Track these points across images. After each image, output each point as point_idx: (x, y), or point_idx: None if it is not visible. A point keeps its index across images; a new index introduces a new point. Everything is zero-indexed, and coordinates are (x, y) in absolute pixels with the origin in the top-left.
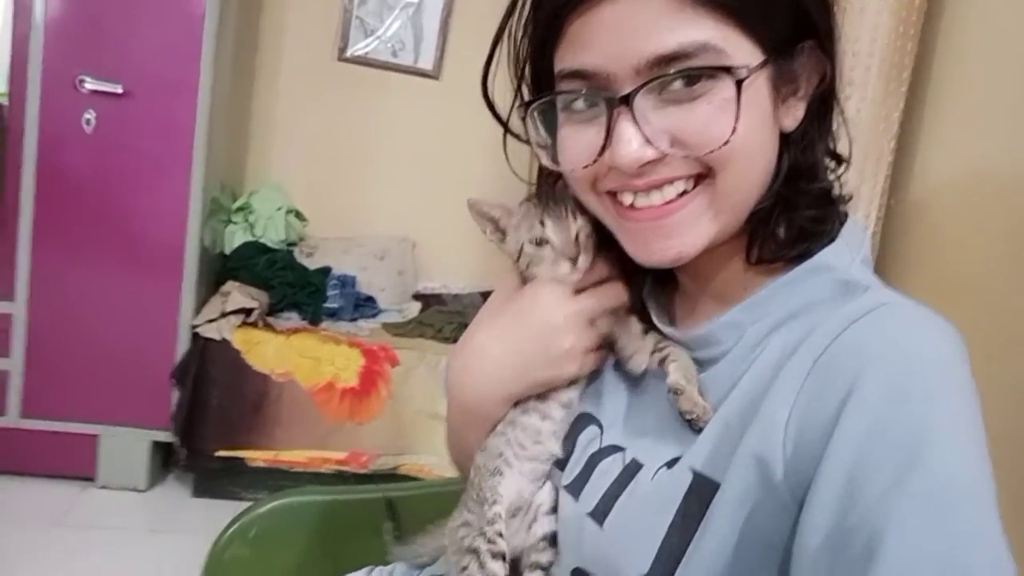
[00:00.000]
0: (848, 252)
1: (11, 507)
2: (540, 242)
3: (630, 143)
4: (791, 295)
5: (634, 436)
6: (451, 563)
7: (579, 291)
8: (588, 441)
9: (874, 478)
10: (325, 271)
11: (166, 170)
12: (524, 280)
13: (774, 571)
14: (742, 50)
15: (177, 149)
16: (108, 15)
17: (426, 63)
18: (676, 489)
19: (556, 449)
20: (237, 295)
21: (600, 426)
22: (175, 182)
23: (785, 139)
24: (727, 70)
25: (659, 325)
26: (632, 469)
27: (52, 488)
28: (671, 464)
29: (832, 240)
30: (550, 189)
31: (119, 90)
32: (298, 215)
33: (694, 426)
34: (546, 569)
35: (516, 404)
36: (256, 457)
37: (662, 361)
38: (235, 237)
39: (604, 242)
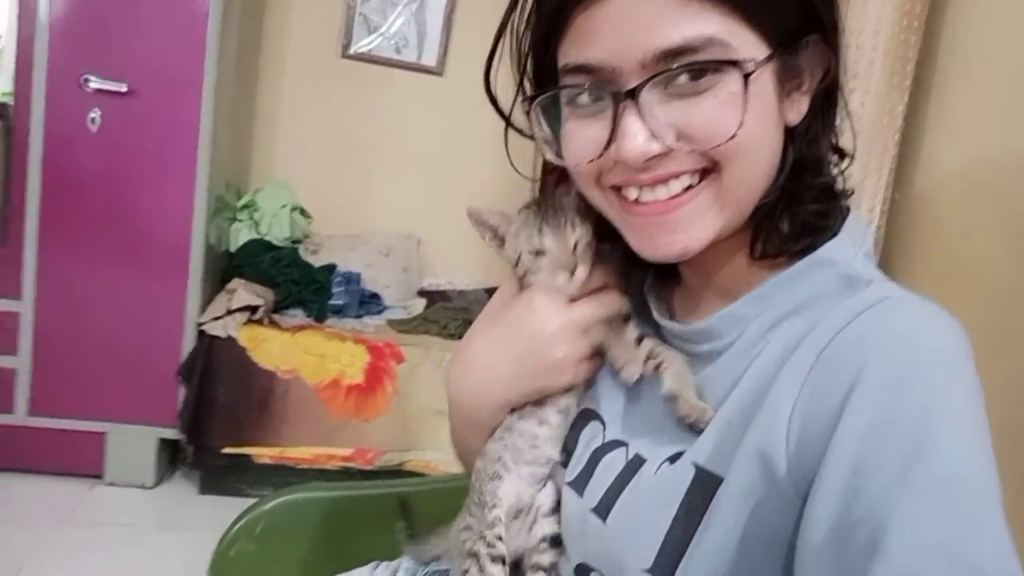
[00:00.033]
0: (851, 246)
1: (19, 504)
2: (538, 253)
3: (636, 137)
4: (794, 289)
5: (635, 432)
6: (454, 565)
7: (574, 299)
8: (591, 437)
9: (878, 471)
10: (330, 268)
11: (171, 168)
12: (522, 286)
13: (778, 565)
14: (748, 44)
15: (182, 147)
16: (112, 14)
17: (430, 59)
18: (679, 484)
19: (554, 454)
20: (243, 292)
21: (602, 422)
22: (180, 180)
23: (789, 133)
24: (734, 64)
25: (659, 319)
26: (635, 464)
27: (60, 485)
28: (674, 459)
29: (835, 234)
30: (551, 196)
31: (124, 89)
32: (303, 212)
33: (695, 428)
34: (547, 570)
35: (513, 410)
36: (262, 454)
37: (656, 367)
38: (240, 235)
39: (605, 238)
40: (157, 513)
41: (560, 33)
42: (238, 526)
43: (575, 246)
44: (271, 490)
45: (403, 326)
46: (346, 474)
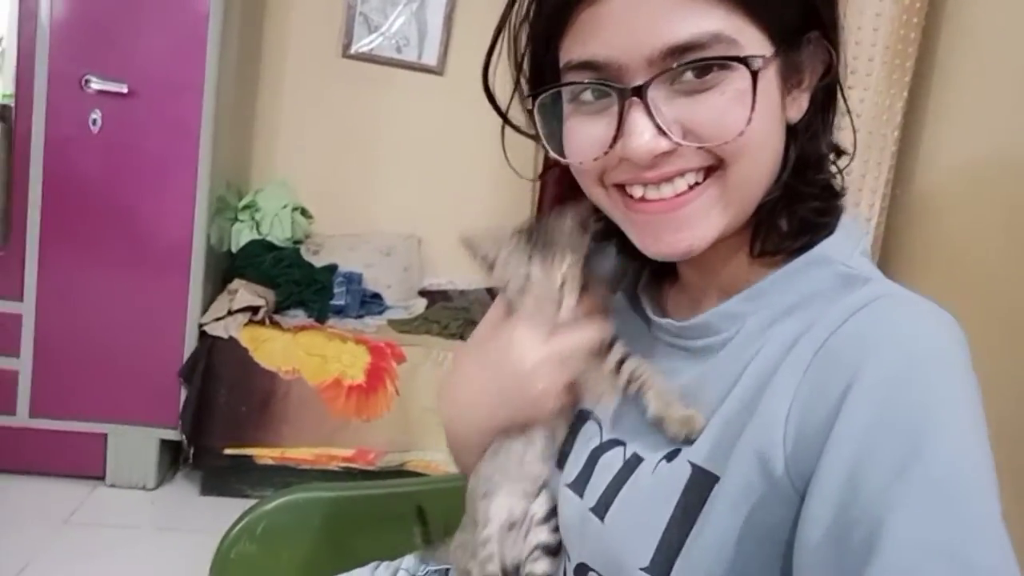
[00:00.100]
0: (848, 244)
1: (20, 506)
2: (525, 287)
3: (642, 134)
4: (791, 286)
5: (633, 432)
6: None
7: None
8: (588, 437)
9: (876, 469)
10: (331, 268)
11: (172, 169)
12: (511, 309)
13: (776, 564)
14: (753, 41)
15: (183, 148)
16: (113, 15)
17: (430, 59)
18: (676, 482)
19: (544, 471)
20: (244, 293)
21: (599, 422)
22: (181, 181)
23: (791, 131)
24: (743, 60)
25: (653, 317)
26: (633, 463)
27: (61, 487)
28: (671, 457)
29: (832, 232)
30: (543, 223)
31: (125, 90)
32: (304, 212)
33: (688, 440)
34: None
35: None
36: (264, 455)
37: (639, 390)
38: (241, 235)
39: (604, 236)
40: (158, 514)
41: (562, 30)
42: (239, 527)
43: (563, 283)
44: (272, 491)
45: (404, 326)
46: (348, 475)
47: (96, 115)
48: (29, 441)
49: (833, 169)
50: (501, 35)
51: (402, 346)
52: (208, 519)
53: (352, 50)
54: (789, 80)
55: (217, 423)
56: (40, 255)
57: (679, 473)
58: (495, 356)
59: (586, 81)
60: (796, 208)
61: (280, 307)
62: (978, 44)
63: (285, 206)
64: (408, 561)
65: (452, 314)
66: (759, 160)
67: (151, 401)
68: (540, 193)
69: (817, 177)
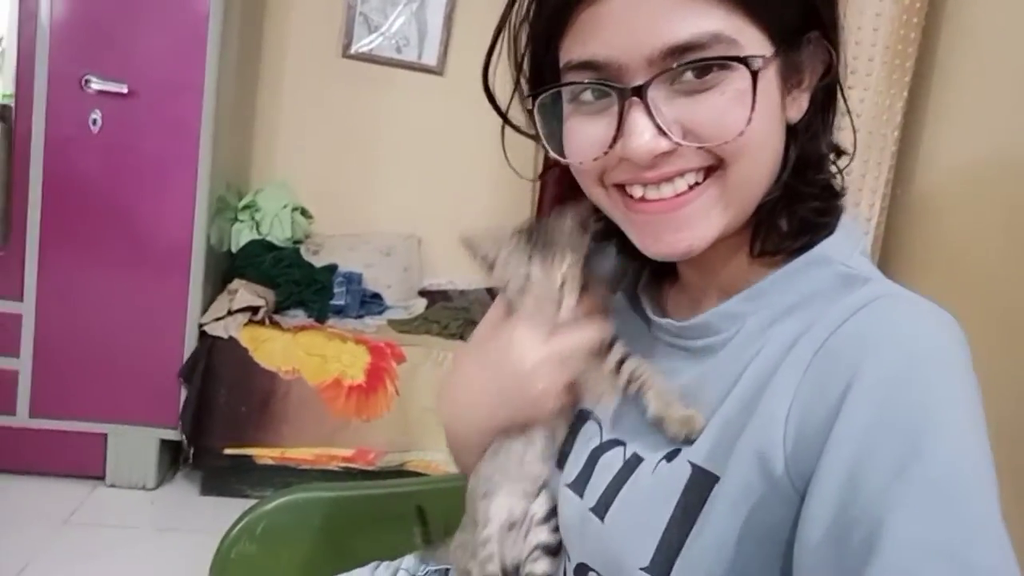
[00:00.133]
0: (848, 244)
1: (20, 506)
2: (525, 287)
3: (643, 134)
4: (791, 286)
5: (633, 432)
6: None
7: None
8: (588, 437)
9: (875, 469)
10: (331, 268)
11: (172, 169)
12: (511, 307)
13: (776, 564)
14: (753, 41)
15: (183, 148)
16: (113, 15)
17: (430, 59)
18: (676, 482)
19: (543, 471)
20: (244, 293)
21: (599, 423)
22: (181, 181)
23: (791, 131)
24: (743, 61)
25: (652, 316)
26: (633, 463)
27: (61, 487)
28: (671, 457)
29: (832, 232)
30: (544, 223)
31: (125, 90)
32: (304, 212)
33: (689, 440)
34: None
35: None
36: (263, 455)
37: (639, 390)
38: (241, 235)
39: (604, 236)
40: (158, 514)
41: (562, 30)
42: (239, 527)
43: (563, 283)
44: (272, 491)
45: (404, 326)
46: (348, 475)
47: (96, 115)
48: (29, 441)
49: (833, 169)
50: (501, 35)
51: (402, 346)
52: (208, 519)
53: (352, 50)
54: (789, 80)
55: (217, 423)
56: (40, 255)
57: (679, 473)
58: (495, 356)
59: (586, 81)
60: (796, 208)
61: (280, 307)
62: (978, 44)
63: (285, 206)
64: (408, 561)
65: (452, 314)
66: (759, 160)
67: (151, 401)
68: (540, 193)
69: (817, 177)
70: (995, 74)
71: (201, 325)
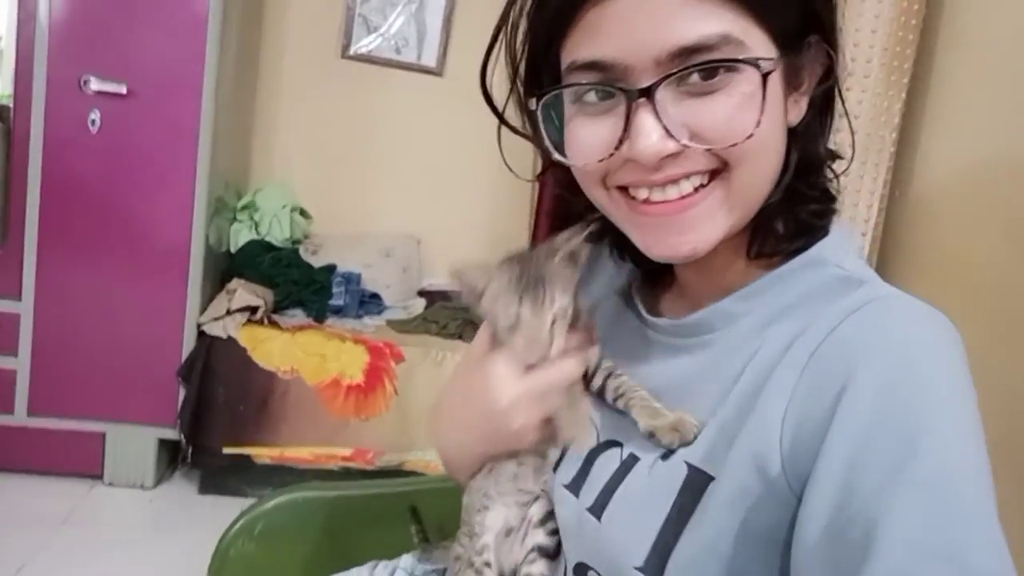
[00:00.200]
0: (843, 246)
1: (18, 505)
2: (515, 326)
3: (650, 136)
4: (786, 288)
5: (630, 432)
6: None
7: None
8: None
9: (871, 470)
10: (330, 268)
11: (171, 169)
12: (495, 337)
13: (775, 565)
14: (759, 43)
15: (182, 148)
16: (112, 16)
17: (429, 60)
18: (672, 482)
19: (536, 487)
20: (243, 293)
21: (594, 423)
22: (180, 181)
23: (791, 134)
24: (754, 63)
25: (647, 316)
26: (629, 463)
27: (59, 486)
28: (667, 456)
29: (827, 235)
30: (533, 258)
31: (123, 90)
32: (303, 213)
33: (685, 443)
34: None
35: None
36: (262, 454)
37: (626, 405)
38: (240, 235)
39: (598, 236)
40: (157, 513)
41: (566, 30)
42: (237, 526)
43: (553, 322)
44: (271, 490)
45: (403, 326)
46: (346, 474)
47: (95, 115)
48: (27, 440)
49: (829, 173)
50: (501, 34)
51: (401, 346)
52: (206, 518)
53: (351, 51)
54: (790, 83)
55: (216, 422)
56: (39, 254)
57: (675, 473)
58: (474, 392)
59: (594, 82)
60: (797, 211)
61: (279, 307)
62: (976, 45)
63: (284, 206)
64: (406, 560)
65: (451, 314)
66: (764, 163)
67: (150, 400)
68: (539, 193)
69: (818, 180)
70: (993, 76)
71: (200, 325)
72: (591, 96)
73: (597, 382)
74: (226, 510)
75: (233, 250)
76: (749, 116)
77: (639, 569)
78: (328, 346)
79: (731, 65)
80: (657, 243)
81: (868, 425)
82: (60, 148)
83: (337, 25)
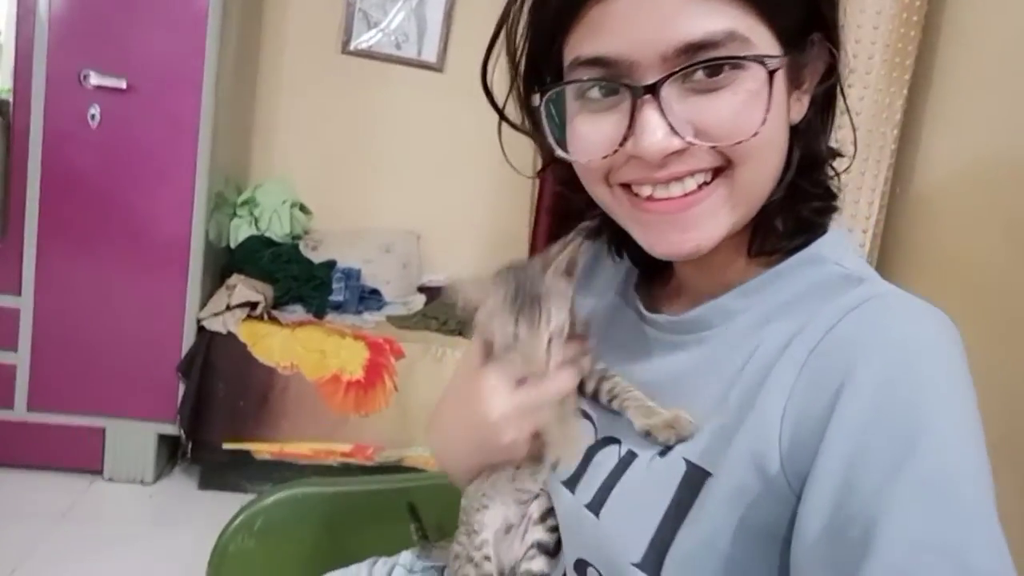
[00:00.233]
0: (842, 244)
1: (18, 500)
2: (511, 346)
3: (655, 132)
4: (784, 285)
5: (626, 429)
6: None
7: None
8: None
9: (870, 468)
10: (330, 264)
11: (171, 164)
12: (487, 347)
13: (774, 561)
14: (764, 40)
15: (182, 143)
16: (112, 10)
17: (429, 55)
18: (670, 478)
19: (534, 487)
20: (242, 288)
21: (593, 420)
22: (180, 176)
23: (793, 132)
24: (761, 60)
25: (646, 313)
26: (628, 460)
27: (59, 481)
28: (664, 453)
29: (825, 232)
30: (527, 274)
31: (123, 85)
32: (303, 208)
33: (682, 439)
34: None
35: None
36: (262, 450)
37: (620, 406)
38: (240, 231)
39: (596, 233)
40: (156, 509)
41: (569, 25)
42: (237, 522)
43: (549, 339)
44: (270, 486)
45: (403, 322)
46: (346, 470)
47: (95, 110)
48: (27, 435)
49: (830, 171)
50: (503, 29)
51: (401, 342)
52: (206, 514)
53: (351, 46)
54: (793, 81)
55: (215, 418)
56: (38, 249)
57: (674, 469)
58: (467, 405)
59: (598, 78)
60: (798, 208)
61: (278, 303)
62: (978, 42)
63: (284, 202)
64: (405, 557)
65: (451, 310)
66: (767, 161)
67: (149, 396)
68: (539, 190)
69: (820, 177)
70: (995, 73)
71: (199, 320)
72: (594, 92)
73: (591, 386)
74: (226, 505)
75: (233, 245)
76: (755, 114)
77: (637, 565)
78: (328, 342)
79: (737, 62)
80: (660, 241)
81: (867, 423)
82: (60, 143)
83: (337, 20)
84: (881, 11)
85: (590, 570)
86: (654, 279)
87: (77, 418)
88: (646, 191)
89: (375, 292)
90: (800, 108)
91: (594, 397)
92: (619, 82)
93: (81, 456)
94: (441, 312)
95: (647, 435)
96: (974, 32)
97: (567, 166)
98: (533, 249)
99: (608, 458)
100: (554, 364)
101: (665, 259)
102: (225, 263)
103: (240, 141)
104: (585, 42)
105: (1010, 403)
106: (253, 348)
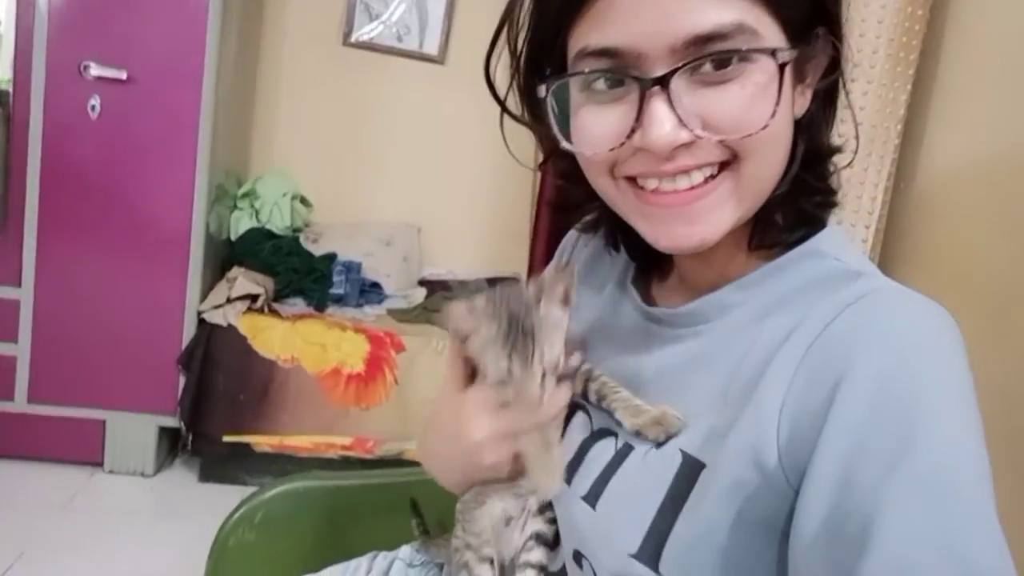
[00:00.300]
0: (840, 238)
1: (19, 492)
2: (505, 380)
3: (663, 125)
4: (783, 278)
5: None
6: None
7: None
8: (579, 427)
9: (868, 463)
10: (331, 257)
11: (171, 156)
12: (468, 364)
13: (772, 553)
14: (772, 33)
15: (182, 135)
16: (112, 1)
17: (431, 48)
18: (666, 470)
19: (531, 486)
20: (243, 281)
21: (588, 412)
22: (180, 168)
23: (796, 126)
24: (772, 53)
25: (643, 306)
26: (624, 452)
27: (59, 473)
28: (660, 445)
29: (824, 227)
30: (519, 300)
31: (124, 76)
32: (303, 201)
33: (670, 436)
34: (536, 567)
35: None
36: (262, 442)
37: (608, 407)
38: (241, 223)
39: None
40: (157, 501)
41: (575, 17)
42: (237, 515)
43: (543, 372)
44: (271, 479)
45: (403, 315)
46: (346, 463)
47: (95, 101)
48: (27, 427)
49: (831, 166)
50: (508, 20)
51: (401, 335)
52: (206, 506)
53: (353, 38)
54: (797, 75)
55: (216, 410)
56: (38, 241)
57: (669, 461)
58: (451, 427)
59: (606, 69)
60: (800, 202)
61: (279, 295)
62: (983, 37)
63: (284, 194)
64: (405, 551)
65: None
66: (773, 154)
67: (150, 388)
68: (540, 183)
69: (824, 171)
70: (1000, 68)
71: (200, 312)
72: (600, 84)
73: (578, 388)
74: (226, 498)
75: (233, 238)
76: (764, 107)
77: (634, 556)
78: (328, 335)
79: (745, 55)
80: (665, 234)
81: (865, 418)
82: (60, 134)
83: (338, 12)
84: (886, 5)
85: (586, 562)
86: (652, 272)
87: (77, 410)
88: (652, 184)
89: (376, 285)
90: (803, 102)
91: (583, 397)
92: (628, 74)
93: (81, 448)
94: (442, 306)
95: (637, 434)
96: (979, 28)
97: (567, 159)
98: (534, 243)
99: (604, 450)
100: (547, 399)
101: (669, 252)
102: (225, 255)
103: (241, 133)
104: (592, 33)
105: (1010, 400)
106: (253, 341)
